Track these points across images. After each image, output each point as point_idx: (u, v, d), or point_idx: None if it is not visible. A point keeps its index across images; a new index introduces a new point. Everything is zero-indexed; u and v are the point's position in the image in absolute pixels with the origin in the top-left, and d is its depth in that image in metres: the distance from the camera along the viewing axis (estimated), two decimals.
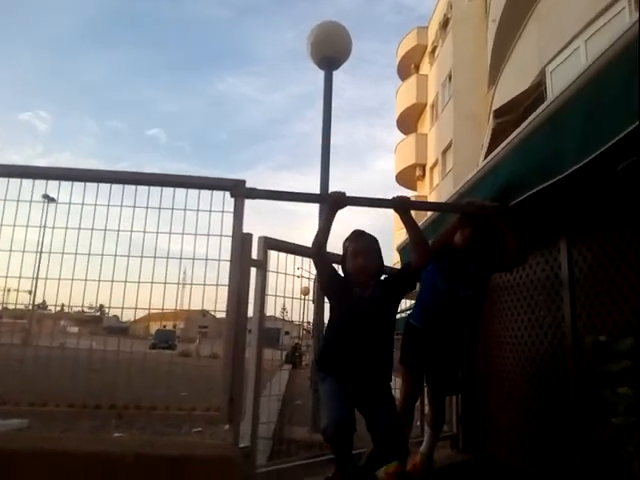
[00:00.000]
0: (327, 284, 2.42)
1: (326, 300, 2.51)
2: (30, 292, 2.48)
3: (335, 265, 2.44)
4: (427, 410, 3.03)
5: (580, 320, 2.44)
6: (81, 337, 2.77)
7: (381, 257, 2.47)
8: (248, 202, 2.36)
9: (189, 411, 2.13)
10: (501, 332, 3.27)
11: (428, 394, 2.99)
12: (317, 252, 2.45)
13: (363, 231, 2.50)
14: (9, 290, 2.41)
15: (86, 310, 2.87)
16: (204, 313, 3.28)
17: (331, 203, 2.47)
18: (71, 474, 1.79)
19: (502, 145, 2.63)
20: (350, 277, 2.35)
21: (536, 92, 8.86)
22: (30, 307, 2.68)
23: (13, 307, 2.57)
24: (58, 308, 2.54)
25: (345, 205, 2.44)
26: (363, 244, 2.40)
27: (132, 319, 2.77)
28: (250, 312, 2.36)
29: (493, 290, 3.36)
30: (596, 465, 2.27)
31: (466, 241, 2.65)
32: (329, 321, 2.43)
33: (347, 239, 2.48)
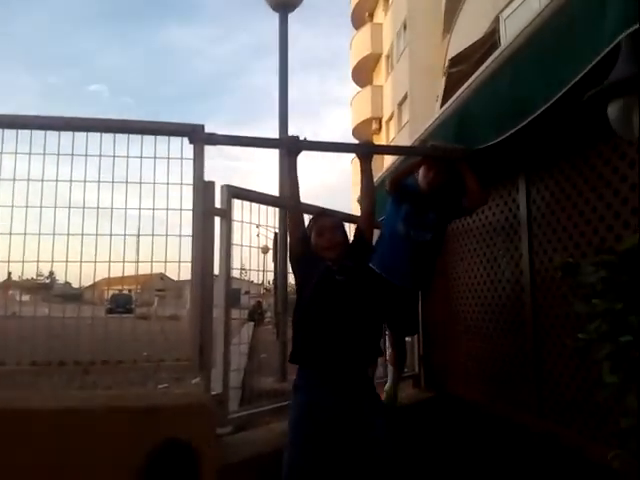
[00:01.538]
0: (298, 248, 2.28)
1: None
2: None
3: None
4: (389, 351, 3.13)
5: (537, 257, 2.54)
6: (35, 305, 2.65)
7: (346, 235, 2.38)
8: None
9: (158, 362, 2.10)
10: (461, 274, 3.38)
11: (389, 336, 3.08)
12: (293, 204, 2.37)
13: (325, 210, 2.48)
14: None
15: (35, 277, 2.73)
16: (162, 277, 3.20)
17: (288, 147, 2.43)
18: (37, 433, 1.73)
19: (462, 88, 2.63)
20: (320, 255, 2.21)
21: (491, 40, 8.85)
22: None
23: None
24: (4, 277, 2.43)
25: (302, 149, 2.40)
26: (327, 220, 2.33)
27: (84, 285, 2.66)
28: (216, 261, 2.32)
29: (453, 233, 3.45)
30: (552, 394, 2.42)
31: (429, 185, 2.67)
32: (297, 301, 2.25)
33: (310, 220, 2.39)
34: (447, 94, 9.71)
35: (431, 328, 3.63)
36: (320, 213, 2.44)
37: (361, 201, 2.44)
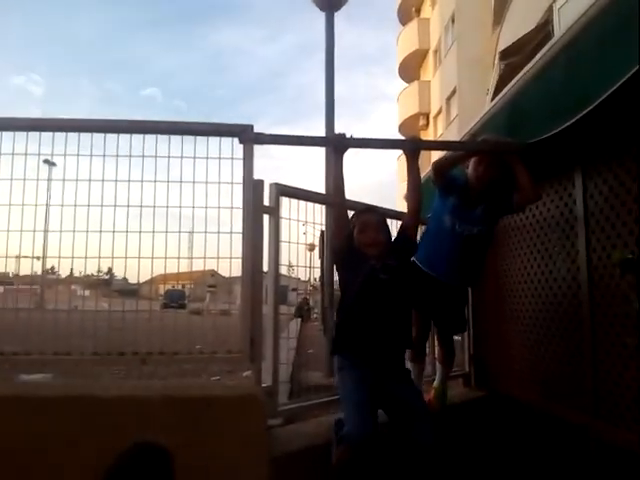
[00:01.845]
0: (341, 246, 2.32)
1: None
2: (39, 258, 2.49)
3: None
4: (437, 349, 3.10)
5: (595, 253, 2.44)
6: (95, 300, 2.80)
7: (389, 233, 2.41)
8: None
9: (211, 354, 2.17)
10: (514, 271, 3.29)
11: (437, 333, 3.04)
12: (338, 203, 2.42)
13: (371, 206, 2.50)
14: (19, 257, 2.42)
15: (95, 274, 2.89)
16: (213, 273, 3.31)
17: (335, 144, 2.46)
18: (100, 417, 1.83)
19: (514, 80, 2.56)
20: (362, 252, 2.26)
21: (544, 31, 8.54)
22: (40, 273, 2.71)
23: (25, 274, 2.59)
24: (68, 273, 2.58)
25: (348, 146, 2.42)
26: (371, 217, 2.36)
27: (141, 281, 2.79)
28: (265, 258, 2.37)
29: (506, 229, 3.36)
30: (610, 395, 2.32)
31: (479, 179, 2.60)
32: (341, 298, 2.35)
33: (352, 216, 2.43)
34: (498, 87, 9.44)
35: (483, 326, 3.56)
36: (363, 209, 2.46)
37: (407, 198, 2.43)
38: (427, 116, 23.02)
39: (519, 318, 3.20)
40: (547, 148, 2.30)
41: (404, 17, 25.69)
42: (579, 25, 1.94)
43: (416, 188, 2.40)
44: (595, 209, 2.46)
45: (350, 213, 2.48)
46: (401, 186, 20.25)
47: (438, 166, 2.64)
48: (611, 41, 1.75)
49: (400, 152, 2.63)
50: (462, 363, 3.63)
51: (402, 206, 4.28)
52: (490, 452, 2.94)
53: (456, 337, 3.60)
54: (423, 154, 2.58)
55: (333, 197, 2.47)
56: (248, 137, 2.28)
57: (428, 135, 22.17)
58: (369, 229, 2.30)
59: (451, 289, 2.70)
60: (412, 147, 2.51)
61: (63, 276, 2.76)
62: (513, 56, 8.92)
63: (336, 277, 3.12)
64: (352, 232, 2.34)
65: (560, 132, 2.06)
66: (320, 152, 3.28)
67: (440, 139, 19.88)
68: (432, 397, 2.90)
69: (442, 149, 2.90)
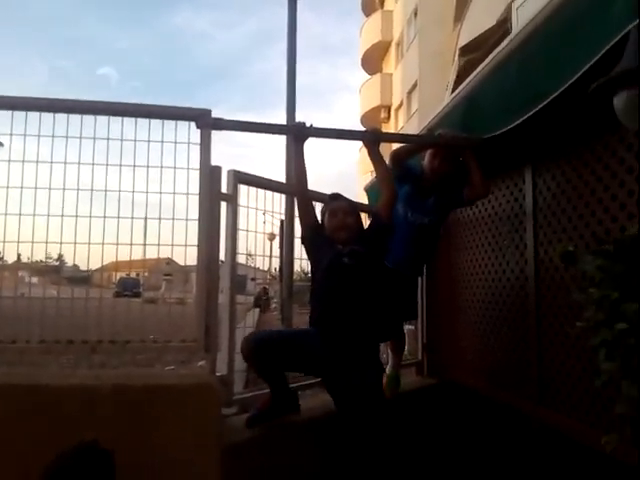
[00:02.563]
0: (308, 234, 2.40)
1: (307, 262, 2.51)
2: None
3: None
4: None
5: (542, 247, 2.54)
6: (44, 287, 2.70)
7: (360, 219, 2.47)
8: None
9: (165, 343, 2.14)
10: (465, 264, 3.39)
11: None
12: (300, 192, 2.46)
13: (339, 194, 2.51)
14: None
15: (44, 260, 2.78)
16: (168, 261, 3.24)
17: (295, 133, 2.45)
18: (45, 408, 1.78)
19: (471, 77, 2.62)
20: (331, 237, 2.33)
21: (502, 29, 8.74)
22: None
23: None
24: (15, 259, 2.47)
25: (308, 135, 2.43)
26: (339, 203, 2.41)
27: (92, 268, 2.70)
28: (222, 246, 2.35)
29: (459, 222, 3.45)
30: (555, 382, 2.44)
31: (433, 171, 2.68)
32: (311, 284, 2.41)
33: (325, 203, 2.49)
34: (458, 83, 9.63)
35: (435, 316, 3.65)
36: (334, 196, 2.49)
37: (380, 188, 2.46)
38: (388, 109, 23.23)
39: (470, 309, 3.30)
40: (500, 144, 2.37)
41: (368, 8, 25.72)
42: (533, 24, 2.01)
43: (384, 177, 2.43)
44: (543, 204, 2.56)
45: (314, 204, 2.52)
46: (362, 178, 20.42)
47: (395, 155, 2.70)
48: (563, 40, 1.81)
49: (361, 143, 2.64)
50: (415, 352, 3.72)
51: (363, 197, 4.33)
52: (440, 437, 3.04)
53: (409, 326, 3.69)
54: (384, 146, 2.61)
55: (295, 186, 2.47)
56: (206, 122, 2.24)
57: (389, 128, 22.38)
58: (338, 213, 2.35)
59: (400, 277, 2.75)
60: (372, 139, 2.53)
61: (10, 262, 2.64)
62: (473, 52, 9.10)
63: (296, 267, 3.13)
64: (317, 220, 2.41)
65: (512, 129, 2.13)
66: (282, 141, 3.25)
67: (401, 132, 20.14)
68: (384, 385, 2.96)
69: (401, 142, 2.93)
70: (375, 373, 2.22)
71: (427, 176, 2.70)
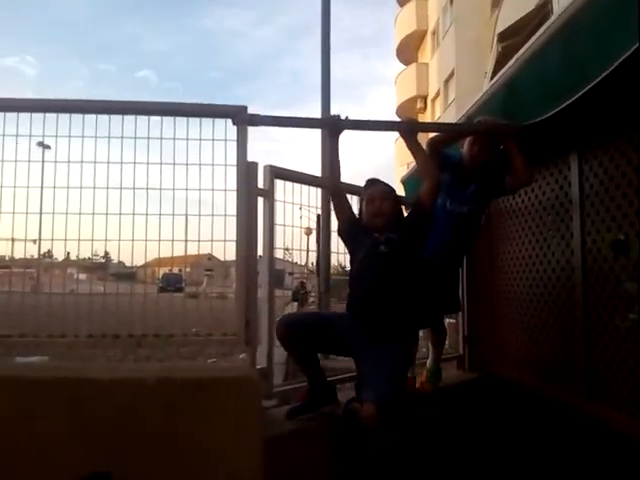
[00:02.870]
0: (345, 228, 2.41)
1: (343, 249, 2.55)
2: (35, 241, 2.48)
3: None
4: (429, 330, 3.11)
5: (589, 236, 2.44)
6: (90, 283, 2.80)
7: (399, 205, 2.45)
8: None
9: (207, 336, 2.18)
10: (508, 254, 3.29)
11: None
12: (333, 186, 2.47)
13: (377, 179, 2.48)
14: (14, 240, 2.41)
15: (92, 257, 2.88)
16: (209, 257, 3.30)
17: (329, 126, 2.44)
18: (93, 401, 1.84)
19: (510, 62, 2.53)
20: (368, 225, 2.33)
21: (542, 12, 8.42)
22: (36, 256, 2.70)
23: (20, 257, 2.57)
24: (64, 257, 2.57)
25: (343, 128, 2.40)
26: (377, 189, 2.39)
27: (137, 264, 2.78)
28: (260, 241, 2.37)
29: (501, 212, 3.36)
30: (604, 376, 2.34)
31: (473, 159, 2.60)
32: (350, 271, 2.43)
33: (363, 187, 2.46)
34: (496, 70, 9.35)
35: (477, 308, 3.57)
36: (372, 181, 2.46)
37: (422, 178, 2.43)
38: (425, 99, 22.83)
39: (513, 300, 3.22)
40: (543, 131, 2.28)
41: None
42: (576, 5, 1.91)
43: (426, 166, 2.40)
44: (590, 192, 2.45)
45: (349, 196, 2.52)
46: (399, 170, 20.17)
47: (433, 143, 2.64)
48: (607, 21, 1.72)
49: (397, 135, 2.59)
50: (456, 345, 3.66)
51: (400, 190, 4.27)
52: (483, 433, 2.98)
53: (450, 319, 3.62)
54: (420, 137, 2.57)
55: (328, 179, 2.47)
56: (242, 118, 2.26)
57: (426, 118, 21.97)
58: (375, 200, 2.33)
59: (439, 268, 2.70)
60: (407, 129, 2.49)
61: (59, 259, 2.75)
62: (511, 38, 8.82)
63: (333, 261, 3.13)
64: (353, 213, 2.42)
65: (556, 114, 2.04)
66: (318, 135, 3.24)
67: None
68: (424, 379, 2.93)
69: (438, 131, 2.87)
70: (401, 352, 2.20)
71: (466, 164, 2.63)
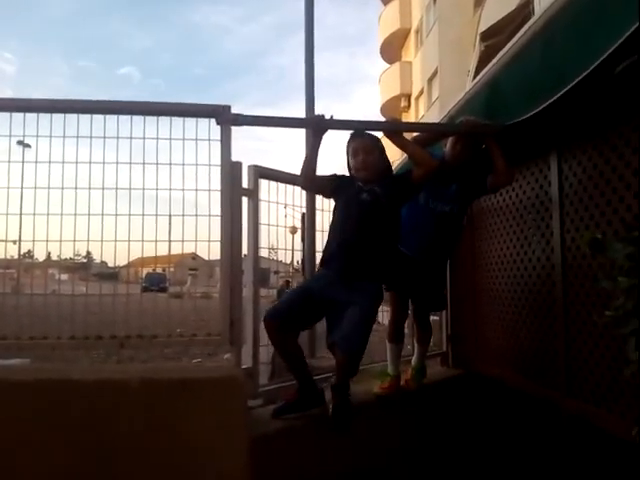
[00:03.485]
0: (330, 190, 2.47)
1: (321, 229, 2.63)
2: (15, 242, 2.44)
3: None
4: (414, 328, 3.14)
5: (569, 234, 2.49)
6: (72, 284, 2.77)
7: (385, 156, 2.47)
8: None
9: (191, 337, 2.18)
10: (490, 252, 3.34)
11: (412, 312, 3.08)
12: (307, 184, 2.51)
13: (363, 131, 2.48)
14: None
15: (73, 257, 2.85)
16: (193, 256, 3.28)
17: (313, 127, 2.44)
18: (75, 402, 1.82)
19: (492, 62, 2.57)
20: (355, 177, 2.40)
21: (524, 12, 8.52)
22: (17, 257, 2.66)
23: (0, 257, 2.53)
24: (45, 257, 2.54)
25: (327, 128, 2.39)
26: (362, 141, 2.40)
27: (120, 264, 2.75)
28: (245, 241, 2.37)
29: (482, 210, 3.40)
30: (583, 372, 2.39)
31: (455, 158, 2.63)
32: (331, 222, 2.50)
33: (347, 142, 2.47)
34: (479, 69, 9.44)
35: (460, 306, 3.62)
36: (355, 134, 2.45)
37: (416, 165, 2.45)
38: (409, 97, 22.95)
39: (495, 298, 3.26)
40: (524, 130, 2.32)
41: None
42: (556, 6, 1.94)
43: (417, 156, 2.41)
44: (570, 191, 2.50)
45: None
46: None
47: (416, 142, 2.66)
48: (587, 21, 1.75)
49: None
50: (440, 342, 3.70)
51: None
52: (466, 429, 3.02)
53: (434, 317, 3.66)
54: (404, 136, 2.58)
55: (303, 174, 2.42)
56: (225, 118, 2.26)
57: (410, 116, 22.12)
58: (359, 153, 2.37)
59: (425, 266, 2.73)
60: (391, 129, 2.51)
61: (40, 260, 2.71)
62: (494, 37, 8.91)
63: (319, 259, 3.13)
64: (329, 178, 2.46)
65: (536, 115, 2.08)
66: (302, 134, 3.25)
67: (421, 121, 19.88)
68: (409, 376, 2.96)
69: (421, 131, 2.89)
70: (370, 303, 2.30)
71: (449, 163, 2.66)
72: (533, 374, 2.82)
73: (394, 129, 2.50)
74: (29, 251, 2.61)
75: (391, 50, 24.73)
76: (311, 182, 2.46)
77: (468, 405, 3.18)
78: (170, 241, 2.26)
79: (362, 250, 2.27)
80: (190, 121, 2.27)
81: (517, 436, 2.86)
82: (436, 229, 2.66)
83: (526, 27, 2.21)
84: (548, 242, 2.68)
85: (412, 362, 3.03)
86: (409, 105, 22.84)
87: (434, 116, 16.71)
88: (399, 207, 2.45)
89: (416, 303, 2.95)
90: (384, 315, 3.45)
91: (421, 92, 21.01)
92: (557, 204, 2.58)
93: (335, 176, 2.47)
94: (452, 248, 2.92)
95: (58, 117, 2.20)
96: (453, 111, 2.97)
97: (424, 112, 20.12)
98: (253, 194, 2.44)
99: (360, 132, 2.45)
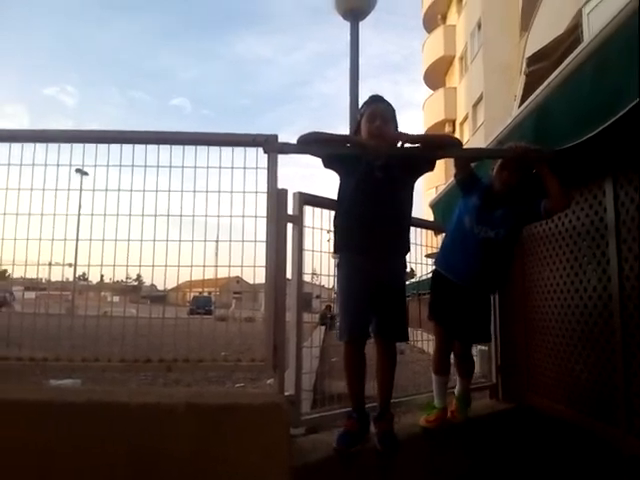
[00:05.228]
0: (332, 157, 2.34)
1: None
2: (71, 265, 2.56)
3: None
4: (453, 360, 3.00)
5: (627, 263, 2.37)
6: (123, 306, 2.86)
7: (397, 128, 2.35)
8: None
9: (235, 362, 2.19)
10: (542, 281, 3.21)
11: (455, 343, 2.93)
12: (310, 138, 2.32)
13: (381, 96, 2.35)
14: (51, 264, 2.49)
15: (125, 280, 2.95)
16: (238, 280, 3.33)
17: (373, 154, 2.30)
18: (124, 424, 1.86)
19: (542, 86, 2.52)
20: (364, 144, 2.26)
21: (572, 36, 8.37)
22: (72, 279, 2.79)
23: (56, 280, 2.65)
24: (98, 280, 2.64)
25: (385, 155, 2.29)
26: (383, 107, 2.28)
27: (168, 287, 2.83)
28: (289, 266, 2.38)
29: (534, 237, 3.30)
30: None
31: (502, 184, 2.57)
32: (338, 197, 2.38)
33: (364, 103, 2.35)
34: (526, 94, 9.30)
35: (510, 336, 3.48)
36: (375, 97, 2.34)
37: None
38: (453, 122, 22.84)
39: (548, 328, 3.12)
40: (575, 155, 2.25)
41: (429, 24, 25.58)
42: (607, 31, 1.90)
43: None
44: (626, 217, 2.39)
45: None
46: (427, 193, 20.05)
47: (461, 161, 2.70)
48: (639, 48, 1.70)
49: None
50: (489, 374, 3.56)
51: (428, 214, 4.25)
52: (516, 465, 2.87)
53: (483, 347, 3.53)
54: (448, 161, 2.56)
55: (315, 136, 2.32)
56: (272, 147, 2.30)
57: None
58: (378, 118, 2.24)
59: (471, 294, 2.64)
60: (445, 155, 2.49)
61: (94, 282, 2.82)
62: (540, 62, 8.78)
63: None
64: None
65: (589, 139, 2.02)
66: None
67: (466, 146, 19.65)
68: (454, 407, 2.84)
69: (469, 156, 2.86)
70: (403, 286, 2.41)
71: (496, 189, 2.60)
72: (590, 409, 2.66)
73: (448, 155, 2.49)
74: (84, 274, 2.72)
75: (435, 76, 24.81)
76: (314, 142, 2.33)
77: (518, 441, 3.02)
78: (217, 266, 2.31)
79: (387, 229, 2.22)
80: (239, 150, 2.34)
81: (572, 476, 2.69)
82: (480, 255, 2.58)
83: (578, 50, 2.16)
84: (604, 271, 2.56)
85: (455, 392, 2.90)
86: (454, 130, 22.69)
87: (479, 141, 16.50)
88: (414, 179, 2.37)
89: (461, 333, 2.82)
90: (429, 344, 3.37)
91: (466, 117, 20.87)
92: (613, 231, 2.47)
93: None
94: (503, 277, 2.79)
95: (115, 147, 2.31)
96: (501, 136, 2.92)
97: (469, 137, 19.92)
98: (298, 220, 2.46)
99: (381, 97, 2.34)
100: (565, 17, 8.70)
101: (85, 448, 1.80)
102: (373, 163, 2.23)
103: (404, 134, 2.36)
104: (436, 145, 2.45)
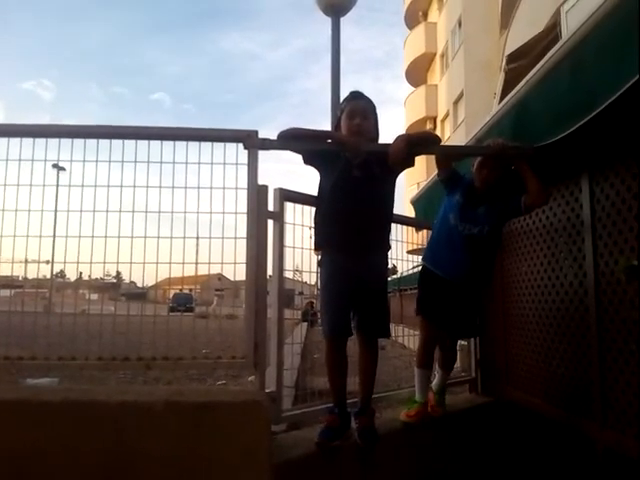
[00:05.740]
0: (312, 153, 2.33)
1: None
2: (48, 262, 2.51)
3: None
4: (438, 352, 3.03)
5: (602, 259, 2.42)
6: (102, 303, 2.81)
7: (378, 126, 2.36)
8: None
9: (215, 359, 2.17)
10: (519, 276, 3.26)
11: (443, 337, 2.96)
12: (288, 135, 2.30)
13: (361, 92, 2.35)
14: (27, 261, 2.43)
15: (103, 277, 2.91)
16: (219, 277, 3.31)
17: (352, 150, 2.30)
18: (101, 423, 1.83)
19: (521, 84, 2.54)
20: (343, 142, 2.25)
21: (551, 34, 8.47)
22: (49, 277, 2.73)
23: (33, 277, 2.60)
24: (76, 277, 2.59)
25: (364, 151, 2.30)
26: (363, 104, 2.28)
27: (148, 285, 2.79)
28: (270, 262, 2.37)
29: (512, 233, 3.34)
30: (620, 402, 2.29)
31: (482, 181, 2.60)
32: (318, 193, 2.39)
33: (344, 99, 2.35)
34: (505, 91, 9.39)
35: (489, 331, 3.53)
36: (355, 94, 2.33)
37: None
38: (434, 120, 22.99)
39: (526, 323, 3.17)
40: (553, 152, 2.28)
41: (411, 21, 25.68)
42: (584, 29, 1.92)
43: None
44: (602, 214, 2.44)
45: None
46: (409, 190, 20.18)
47: (443, 158, 2.73)
48: (616, 43, 1.73)
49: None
50: (468, 368, 3.60)
51: (409, 209, 4.28)
52: (494, 458, 2.91)
53: (463, 342, 3.58)
54: (429, 157, 2.58)
55: (294, 132, 2.29)
56: (253, 143, 2.29)
57: None
58: (358, 115, 2.24)
59: (459, 290, 2.66)
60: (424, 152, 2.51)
61: (72, 279, 2.77)
62: (520, 59, 8.87)
63: None
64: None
65: (566, 136, 2.05)
66: None
67: (447, 143, 19.84)
68: (433, 402, 2.86)
69: (447, 153, 2.88)
70: (384, 286, 2.43)
71: (477, 186, 2.64)
72: (566, 403, 2.71)
73: (426, 152, 2.50)
74: (61, 271, 2.67)
75: (416, 73, 24.93)
76: (293, 137, 2.30)
77: (496, 434, 3.07)
78: (197, 263, 2.28)
79: (366, 226, 2.23)
80: (218, 145, 2.31)
81: (549, 469, 2.74)
82: (466, 251, 2.61)
83: (555, 48, 2.19)
84: (580, 266, 2.61)
85: (433, 386, 2.92)
86: (435, 127, 22.84)
87: (460, 138, 16.66)
88: (395, 177, 2.38)
89: (449, 327, 2.84)
90: (410, 340, 3.40)
91: (447, 115, 21.02)
92: (589, 227, 2.52)
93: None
94: (490, 272, 2.82)
95: (91, 142, 2.27)
96: (480, 134, 2.95)
97: (450, 134, 20.08)
98: (278, 217, 2.45)
99: (361, 93, 2.34)
100: (544, 15, 8.82)
101: (62, 448, 1.77)
102: (352, 161, 2.23)
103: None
104: (415, 142, 2.45)
